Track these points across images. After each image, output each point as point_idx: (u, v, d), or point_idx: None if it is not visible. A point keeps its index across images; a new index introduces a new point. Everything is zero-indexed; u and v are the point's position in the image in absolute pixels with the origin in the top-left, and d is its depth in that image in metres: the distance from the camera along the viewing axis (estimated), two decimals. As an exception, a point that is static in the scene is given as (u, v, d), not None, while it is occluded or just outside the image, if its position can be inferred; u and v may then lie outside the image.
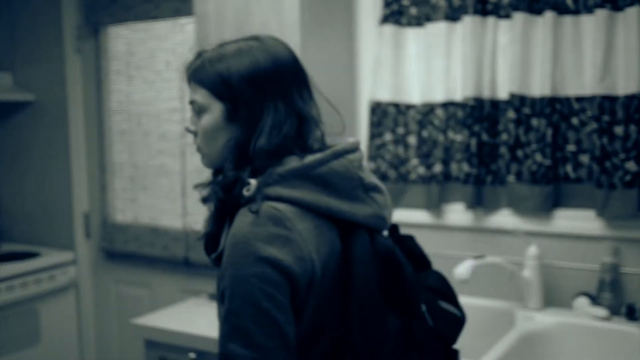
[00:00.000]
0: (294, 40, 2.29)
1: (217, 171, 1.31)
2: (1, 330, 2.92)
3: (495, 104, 2.34)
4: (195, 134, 1.31)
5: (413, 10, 2.47)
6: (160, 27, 3.13)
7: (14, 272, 3.10)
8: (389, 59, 2.49)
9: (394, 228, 1.41)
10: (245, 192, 1.19)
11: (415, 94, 2.49)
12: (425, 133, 2.46)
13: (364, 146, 2.58)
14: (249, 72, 1.24)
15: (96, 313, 3.51)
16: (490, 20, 2.31)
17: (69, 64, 3.35)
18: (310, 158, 1.21)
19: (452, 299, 1.37)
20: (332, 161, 1.22)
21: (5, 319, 3.02)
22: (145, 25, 3.17)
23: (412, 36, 2.48)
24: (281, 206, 1.17)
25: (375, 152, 2.54)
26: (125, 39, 3.26)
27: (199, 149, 1.31)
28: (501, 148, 2.33)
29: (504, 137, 2.31)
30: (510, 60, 2.28)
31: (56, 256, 3.34)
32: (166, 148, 3.17)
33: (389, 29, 2.48)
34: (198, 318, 2.47)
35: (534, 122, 2.24)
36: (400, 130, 2.51)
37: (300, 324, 1.17)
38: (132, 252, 3.30)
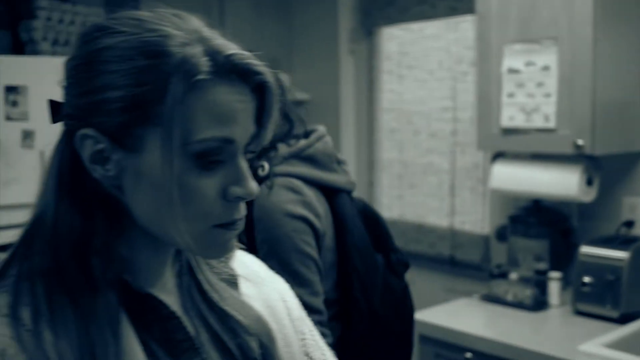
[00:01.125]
0: (585, 35, 2.19)
1: None
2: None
3: None
4: None
5: None
6: (434, 27, 3.16)
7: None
8: (691, 53, 2.28)
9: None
10: (261, 172, 1.49)
11: None
12: None
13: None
14: None
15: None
16: None
17: (342, 65, 3.51)
18: (302, 142, 1.56)
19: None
20: (315, 144, 1.56)
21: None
22: (419, 25, 3.22)
23: None
24: (291, 179, 1.50)
25: (671, 154, 2.33)
26: (397, 39, 3.34)
27: None
28: None
29: None
30: None
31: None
32: (436, 146, 3.20)
33: (692, 19, 2.27)
34: (473, 318, 2.45)
35: None
36: (703, 130, 2.28)
37: None
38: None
